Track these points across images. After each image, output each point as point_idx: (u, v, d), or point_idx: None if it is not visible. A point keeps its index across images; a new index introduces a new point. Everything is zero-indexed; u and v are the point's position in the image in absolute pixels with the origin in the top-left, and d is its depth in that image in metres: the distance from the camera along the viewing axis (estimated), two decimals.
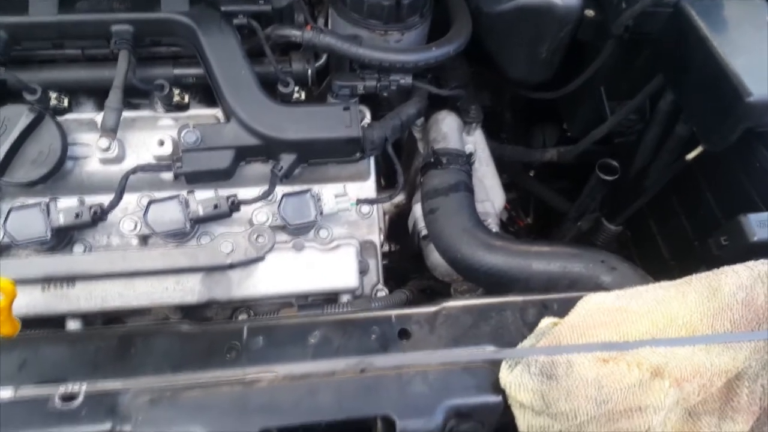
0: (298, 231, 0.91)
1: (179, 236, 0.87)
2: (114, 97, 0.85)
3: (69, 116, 0.91)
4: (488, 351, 0.59)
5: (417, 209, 0.99)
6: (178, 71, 0.94)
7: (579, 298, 0.64)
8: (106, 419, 0.53)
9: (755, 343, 0.63)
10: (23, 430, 0.53)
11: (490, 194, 1.02)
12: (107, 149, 0.86)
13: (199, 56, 0.91)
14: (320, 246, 0.90)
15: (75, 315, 0.81)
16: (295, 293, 0.88)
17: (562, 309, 0.63)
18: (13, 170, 0.81)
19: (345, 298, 0.90)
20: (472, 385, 0.58)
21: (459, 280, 1.00)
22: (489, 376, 0.59)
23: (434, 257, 0.97)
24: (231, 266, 0.84)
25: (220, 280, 0.86)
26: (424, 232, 0.96)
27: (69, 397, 0.54)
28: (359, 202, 0.93)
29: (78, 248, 0.87)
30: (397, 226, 1.14)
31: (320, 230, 0.93)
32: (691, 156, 0.86)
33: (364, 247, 0.96)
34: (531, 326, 0.63)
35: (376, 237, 0.98)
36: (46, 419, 0.53)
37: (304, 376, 0.57)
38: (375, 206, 0.98)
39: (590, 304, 0.62)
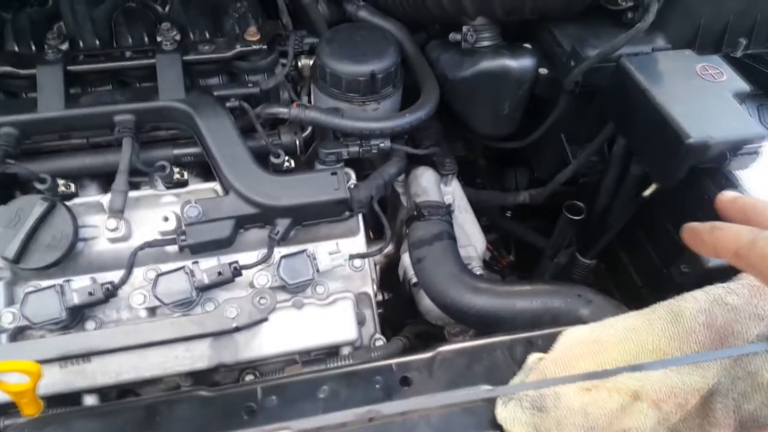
0: (296, 289, 0.97)
1: (186, 305, 0.93)
2: (120, 180, 0.93)
3: (76, 200, 0.98)
4: (483, 390, 0.65)
5: (405, 258, 1.07)
6: (177, 151, 1.03)
7: (559, 332, 0.71)
8: None
9: (721, 361, 0.70)
10: None
11: (472, 239, 1.11)
12: (115, 229, 0.93)
13: (196, 137, 0.99)
14: (319, 302, 0.96)
15: (92, 390, 0.86)
16: (298, 350, 0.93)
17: (546, 344, 0.70)
18: (28, 256, 0.87)
19: (346, 350, 0.96)
20: (472, 424, 0.64)
21: (451, 323, 1.07)
22: (486, 414, 0.64)
23: (425, 303, 1.04)
24: (237, 329, 0.89)
25: (228, 344, 0.91)
26: (414, 279, 1.03)
27: None
28: (352, 257, 1.00)
29: (90, 324, 0.92)
30: (388, 275, 1.21)
31: (317, 286, 0.99)
32: (646, 193, 0.95)
33: (360, 299, 1.03)
34: (519, 362, 0.70)
35: (370, 288, 1.04)
36: None
37: (317, 429, 0.62)
38: (367, 259, 1.05)
39: (569, 337, 0.69)
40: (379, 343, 1.01)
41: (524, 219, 1.47)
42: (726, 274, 0.71)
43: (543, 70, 1.10)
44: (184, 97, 0.99)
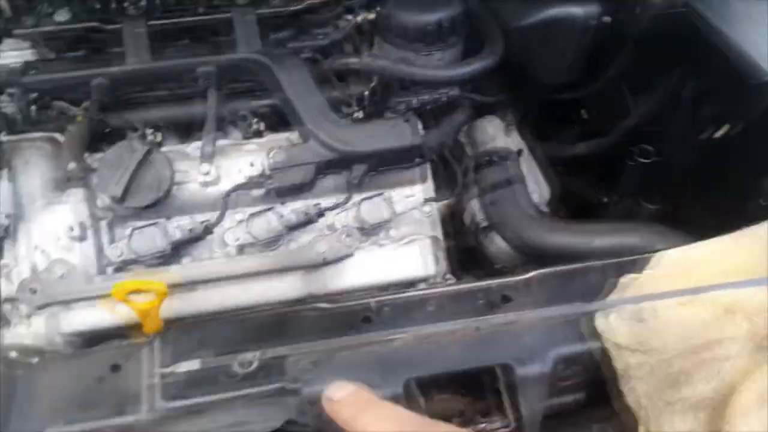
0: (372, 231, 1.01)
1: (273, 243, 0.98)
2: (209, 127, 0.98)
3: (163, 149, 1.02)
4: (583, 305, 0.70)
5: (473, 204, 1.10)
6: (254, 103, 1.07)
7: (651, 256, 0.75)
8: (278, 380, 0.65)
9: None
10: (213, 394, 0.64)
11: (537, 186, 1.14)
12: (207, 173, 0.97)
13: (274, 89, 1.03)
14: (396, 242, 1.01)
15: (197, 317, 0.92)
16: (380, 284, 0.98)
17: (638, 267, 0.74)
18: (131, 196, 0.92)
19: (423, 287, 1.00)
20: (573, 335, 0.69)
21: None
22: (586, 326, 0.69)
23: (495, 247, 1.08)
24: (326, 263, 0.94)
25: (316, 277, 0.96)
26: (483, 224, 1.07)
27: (245, 364, 0.65)
28: (427, 200, 1.04)
29: (185, 261, 0.97)
30: (446, 225, 1.24)
31: (390, 230, 1.04)
32: (719, 134, 0.97)
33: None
34: (613, 284, 0.74)
35: (439, 233, 1.08)
36: (231, 381, 0.65)
37: (429, 336, 0.68)
38: (435, 205, 1.09)
39: (663, 259, 0.73)
40: (451, 282, 1.05)
41: (575, 175, 1.49)
42: None
43: (607, 18, 1.12)
44: (261, 50, 1.02)
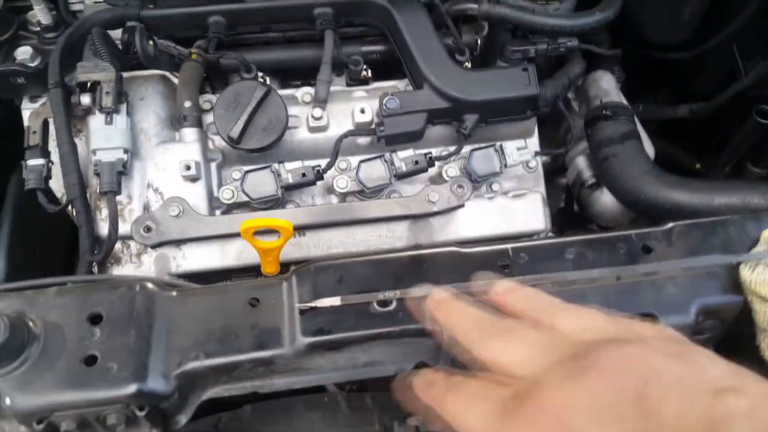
0: (480, 183, 1.01)
1: (377, 192, 0.98)
2: (324, 70, 0.97)
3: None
4: (729, 257, 0.68)
5: (581, 161, 1.08)
6: (364, 48, 1.06)
7: None
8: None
9: None
10: (353, 331, 0.65)
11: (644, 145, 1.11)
12: (320, 118, 0.97)
13: (389, 33, 1.01)
14: (507, 193, 1.00)
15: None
16: (490, 236, 0.97)
17: None
18: (246, 138, 0.92)
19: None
20: (717, 286, 0.68)
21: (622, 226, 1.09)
22: (729, 278, 0.68)
23: (600, 205, 1.06)
24: (436, 213, 0.94)
25: (424, 227, 0.96)
26: (590, 181, 1.05)
27: (384, 303, 0.66)
28: (538, 153, 1.02)
29: (290, 207, 0.99)
30: None
31: (492, 184, 1.03)
32: None
33: None
34: (752, 238, 0.72)
35: (542, 188, 1.07)
36: (370, 320, 0.65)
37: (569, 283, 0.67)
38: (539, 161, 1.07)
39: None
40: None
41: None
42: None
43: None
44: None
